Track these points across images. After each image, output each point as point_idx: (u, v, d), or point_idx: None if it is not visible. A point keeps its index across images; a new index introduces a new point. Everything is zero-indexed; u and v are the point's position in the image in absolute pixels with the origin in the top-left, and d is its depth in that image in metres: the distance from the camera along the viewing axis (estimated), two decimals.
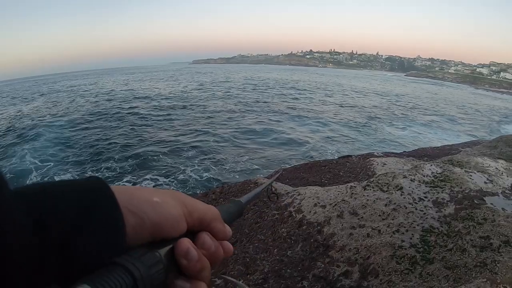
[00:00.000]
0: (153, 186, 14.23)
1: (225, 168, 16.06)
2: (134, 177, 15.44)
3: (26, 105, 43.47)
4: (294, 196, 6.38)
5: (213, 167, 16.41)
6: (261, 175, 12.21)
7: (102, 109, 34.01)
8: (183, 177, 15.16)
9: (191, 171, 15.86)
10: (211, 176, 15.19)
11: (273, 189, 1.45)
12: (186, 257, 0.53)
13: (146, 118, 28.44)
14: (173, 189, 13.08)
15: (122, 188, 0.53)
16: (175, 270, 0.54)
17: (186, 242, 0.54)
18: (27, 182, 15.45)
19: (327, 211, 5.73)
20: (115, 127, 25.24)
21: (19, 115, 34.29)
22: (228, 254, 0.64)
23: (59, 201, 0.44)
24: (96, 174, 16.25)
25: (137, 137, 21.99)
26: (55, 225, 0.41)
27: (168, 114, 30.22)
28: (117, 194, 0.49)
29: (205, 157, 17.84)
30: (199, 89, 52.96)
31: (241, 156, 17.79)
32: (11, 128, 26.90)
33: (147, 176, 15.35)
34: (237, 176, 14.93)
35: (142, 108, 33.75)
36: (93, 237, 0.44)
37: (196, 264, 0.54)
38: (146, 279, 0.46)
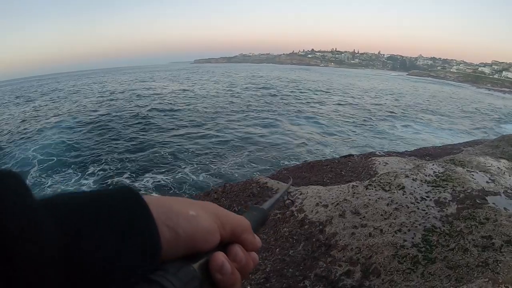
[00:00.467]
0: (152, 183, 14.29)
1: (226, 167, 16.05)
2: (134, 174, 15.46)
3: (30, 105, 43.63)
4: (296, 195, 6.37)
5: (212, 166, 16.42)
6: (263, 175, 12.20)
7: (108, 108, 34.05)
8: (182, 176, 15.17)
9: (190, 170, 15.85)
10: (211, 174, 15.19)
11: (290, 195, 1.45)
12: (221, 271, 0.53)
13: (150, 117, 28.42)
14: (176, 193, 13.13)
15: (155, 199, 0.52)
16: (208, 284, 0.53)
17: (221, 256, 0.54)
18: (29, 175, 15.63)
19: (329, 210, 5.73)
20: (120, 126, 25.26)
21: (24, 115, 34.39)
22: (256, 265, 0.63)
23: (91, 214, 0.42)
24: (98, 169, 16.38)
25: (141, 136, 22.02)
26: (87, 238, 0.40)
27: (172, 114, 30.23)
28: (151, 206, 0.48)
29: (206, 155, 17.84)
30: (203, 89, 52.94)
31: (242, 155, 17.79)
32: (16, 128, 26.97)
33: (148, 175, 15.38)
34: (236, 174, 14.93)
35: (143, 107, 33.81)
36: (127, 253, 0.43)
37: (230, 278, 0.54)
38: None
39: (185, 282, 0.47)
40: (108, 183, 14.28)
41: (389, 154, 11.96)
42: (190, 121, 26.91)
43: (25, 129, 26.48)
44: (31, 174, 15.92)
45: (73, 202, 0.43)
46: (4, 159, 18.64)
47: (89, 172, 16.08)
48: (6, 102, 50.30)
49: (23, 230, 0.34)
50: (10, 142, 22.09)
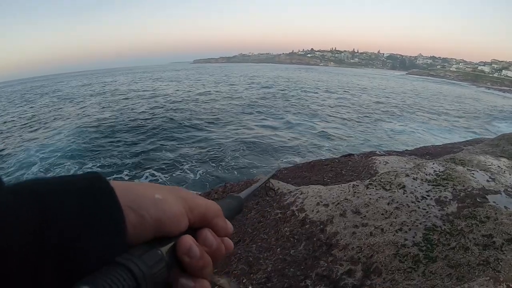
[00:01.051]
0: (149, 181, 14.31)
1: (226, 167, 16.06)
2: (133, 172, 15.52)
3: (36, 104, 43.76)
4: (297, 195, 6.37)
5: (213, 164, 16.44)
6: (263, 174, 12.21)
7: (114, 109, 34.08)
8: (182, 174, 15.19)
9: (189, 168, 15.87)
10: (211, 174, 15.20)
11: (271, 184, 1.46)
12: (188, 254, 0.53)
13: (151, 118, 28.43)
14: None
15: (122, 184, 0.52)
16: (177, 268, 0.53)
17: (188, 239, 0.54)
18: (29, 171, 15.70)
19: (330, 210, 5.74)
20: (124, 126, 25.28)
21: (29, 114, 34.50)
22: (229, 251, 0.63)
23: (58, 199, 0.42)
24: (97, 166, 16.42)
25: (142, 134, 22.06)
26: (55, 225, 0.40)
27: (170, 114, 30.23)
28: (117, 191, 0.48)
29: (206, 155, 17.85)
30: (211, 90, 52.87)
31: (243, 155, 17.80)
32: (20, 127, 27.03)
33: (146, 172, 15.42)
34: (237, 174, 14.95)
35: (143, 106, 33.83)
36: (93, 236, 0.43)
37: (199, 262, 0.53)
38: (148, 278, 0.45)
39: (151, 264, 0.47)
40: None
41: (389, 153, 11.96)
42: (194, 119, 26.88)
43: (30, 127, 26.58)
44: (32, 170, 16.04)
45: (40, 186, 0.43)
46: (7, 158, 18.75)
47: (87, 166, 16.20)
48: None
49: None
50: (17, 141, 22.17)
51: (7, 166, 16.87)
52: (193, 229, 0.58)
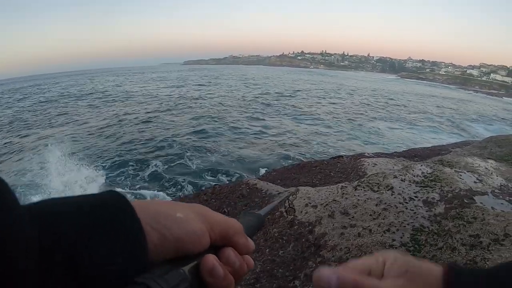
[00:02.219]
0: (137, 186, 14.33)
1: (214, 168, 16.04)
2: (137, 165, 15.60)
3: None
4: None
5: (202, 164, 16.44)
6: (252, 176, 12.19)
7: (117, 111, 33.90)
8: (168, 176, 15.19)
9: (181, 171, 15.86)
10: (199, 176, 15.18)
11: (291, 203, 1.43)
12: (212, 274, 0.51)
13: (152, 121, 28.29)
14: (162, 195, 13.13)
15: (142, 202, 0.51)
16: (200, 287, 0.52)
17: (211, 259, 0.53)
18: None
19: (318, 211, 5.75)
20: (123, 128, 25.19)
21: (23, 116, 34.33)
22: (250, 268, 0.62)
23: (74, 217, 0.42)
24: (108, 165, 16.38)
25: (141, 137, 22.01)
26: (69, 241, 0.39)
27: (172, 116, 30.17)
28: (137, 208, 0.48)
29: (196, 155, 17.83)
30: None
31: (232, 156, 17.79)
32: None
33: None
34: (225, 176, 14.95)
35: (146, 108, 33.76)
36: (113, 255, 0.42)
37: (223, 282, 0.52)
38: None
39: (173, 284, 0.46)
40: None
41: (378, 155, 12.02)
42: (189, 123, 26.77)
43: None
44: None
45: (57, 206, 0.42)
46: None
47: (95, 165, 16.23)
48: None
49: (1, 232, 0.34)
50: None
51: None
52: (215, 247, 0.57)
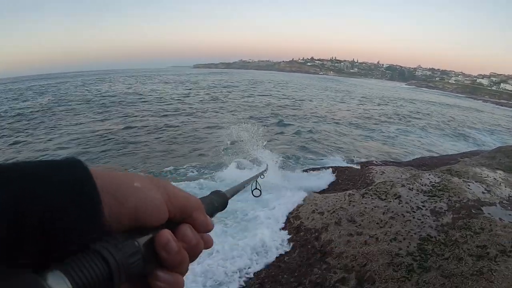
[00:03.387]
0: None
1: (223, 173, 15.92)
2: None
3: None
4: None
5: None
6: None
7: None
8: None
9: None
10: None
11: (258, 185, 1.40)
12: (166, 249, 0.51)
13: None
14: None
15: (101, 170, 0.50)
16: (153, 261, 0.51)
17: (167, 234, 0.51)
18: None
19: (325, 218, 5.75)
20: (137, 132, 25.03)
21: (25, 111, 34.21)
22: (208, 247, 0.61)
23: (35, 182, 0.41)
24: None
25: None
26: (30, 208, 0.39)
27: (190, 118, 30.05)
28: (95, 175, 0.47)
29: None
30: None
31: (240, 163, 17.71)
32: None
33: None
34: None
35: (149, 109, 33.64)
36: (69, 219, 0.42)
37: (176, 257, 0.52)
38: (123, 268, 0.44)
39: (127, 255, 0.45)
40: None
41: (386, 163, 12.00)
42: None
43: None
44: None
45: (15, 170, 0.42)
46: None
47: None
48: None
49: None
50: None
51: None
52: (172, 223, 0.56)
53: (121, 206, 0.48)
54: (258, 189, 1.27)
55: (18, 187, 0.40)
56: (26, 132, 23.51)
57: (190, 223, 0.57)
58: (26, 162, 0.44)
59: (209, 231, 0.61)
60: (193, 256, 0.56)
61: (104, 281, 0.41)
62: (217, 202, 0.74)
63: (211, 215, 0.66)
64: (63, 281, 0.37)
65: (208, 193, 0.74)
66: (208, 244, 0.60)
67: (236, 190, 0.88)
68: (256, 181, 1.27)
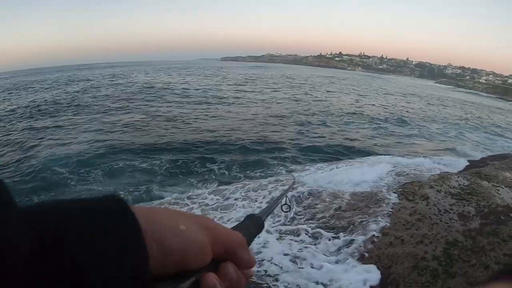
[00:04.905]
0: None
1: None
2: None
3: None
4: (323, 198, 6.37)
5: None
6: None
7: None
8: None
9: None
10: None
11: (287, 200, 1.38)
12: None
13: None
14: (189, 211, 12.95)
15: (144, 209, 0.48)
16: None
17: (212, 278, 0.51)
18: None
19: (350, 216, 5.72)
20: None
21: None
22: (247, 280, 0.60)
23: (71, 221, 0.39)
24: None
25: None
26: (63, 252, 0.36)
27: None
28: (139, 217, 0.44)
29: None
30: None
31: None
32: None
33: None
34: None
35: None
36: (111, 267, 0.39)
37: None
38: None
39: None
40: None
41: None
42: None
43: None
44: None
45: (54, 208, 0.40)
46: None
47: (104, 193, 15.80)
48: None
49: None
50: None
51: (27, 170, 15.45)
52: (214, 262, 0.55)
53: (166, 251, 0.47)
54: (287, 204, 1.25)
55: (51, 226, 0.38)
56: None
57: (233, 261, 0.57)
58: (62, 200, 0.42)
59: (252, 267, 0.60)
60: None
61: None
62: (254, 228, 0.73)
63: (250, 242, 0.65)
64: None
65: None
66: (247, 277, 0.60)
67: (269, 209, 0.87)
68: (286, 196, 1.24)
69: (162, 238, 0.46)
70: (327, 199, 6.70)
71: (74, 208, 0.41)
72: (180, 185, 11.89)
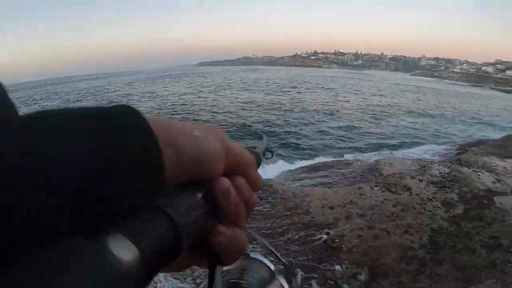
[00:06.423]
0: None
1: None
2: None
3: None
4: (302, 197, 6.37)
5: None
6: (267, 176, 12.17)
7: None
8: None
9: None
10: None
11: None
12: (226, 197, 0.47)
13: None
14: None
15: (155, 117, 0.45)
16: (211, 213, 0.46)
17: (227, 181, 0.48)
18: None
19: (336, 212, 5.72)
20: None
21: None
22: (253, 208, 0.56)
23: (77, 126, 0.35)
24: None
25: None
26: (77, 162, 0.33)
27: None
28: (151, 123, 0.40)
29: None
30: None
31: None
32: None
33: None
34: None
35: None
36: (125, 174, 0.36)
37: (235, 207, 0.48)
38: (189, 225, 0.39)
39: (190, 211, 0.41)
40: None
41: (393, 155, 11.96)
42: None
43: None
44: None
45: (58, 115, 0.36)
46: None
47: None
48: None
49: None
50: None
51: None
52: (227, 176, 0.50)
53: (181, 156, 0.44)
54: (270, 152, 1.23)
55: (61, 138, 0.33)
56: None
57: (243, 178, 0.53)
58: (68, 108, 0.38)
59: (260, 189, 0.58)
60: (246, 211, 0.52)
61: (172, 242, 0.37)
62: (257, 160, 0.69)
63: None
64: (127, 246, 0.31)
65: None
66: (253, 205, 0.56)
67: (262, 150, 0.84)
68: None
69: (175, 142, 0.43)
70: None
71: (84, 115, 0.37)
72: None
